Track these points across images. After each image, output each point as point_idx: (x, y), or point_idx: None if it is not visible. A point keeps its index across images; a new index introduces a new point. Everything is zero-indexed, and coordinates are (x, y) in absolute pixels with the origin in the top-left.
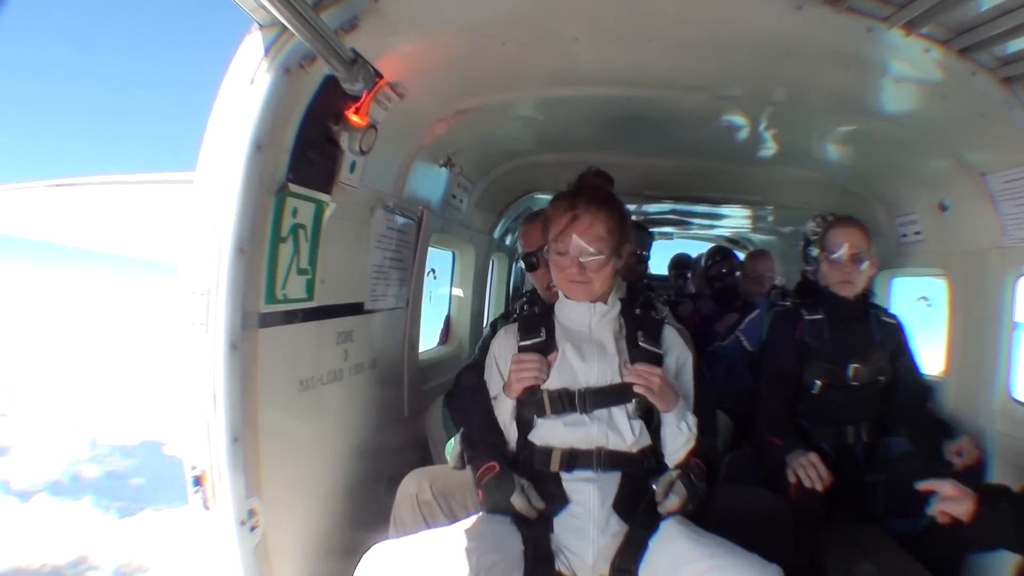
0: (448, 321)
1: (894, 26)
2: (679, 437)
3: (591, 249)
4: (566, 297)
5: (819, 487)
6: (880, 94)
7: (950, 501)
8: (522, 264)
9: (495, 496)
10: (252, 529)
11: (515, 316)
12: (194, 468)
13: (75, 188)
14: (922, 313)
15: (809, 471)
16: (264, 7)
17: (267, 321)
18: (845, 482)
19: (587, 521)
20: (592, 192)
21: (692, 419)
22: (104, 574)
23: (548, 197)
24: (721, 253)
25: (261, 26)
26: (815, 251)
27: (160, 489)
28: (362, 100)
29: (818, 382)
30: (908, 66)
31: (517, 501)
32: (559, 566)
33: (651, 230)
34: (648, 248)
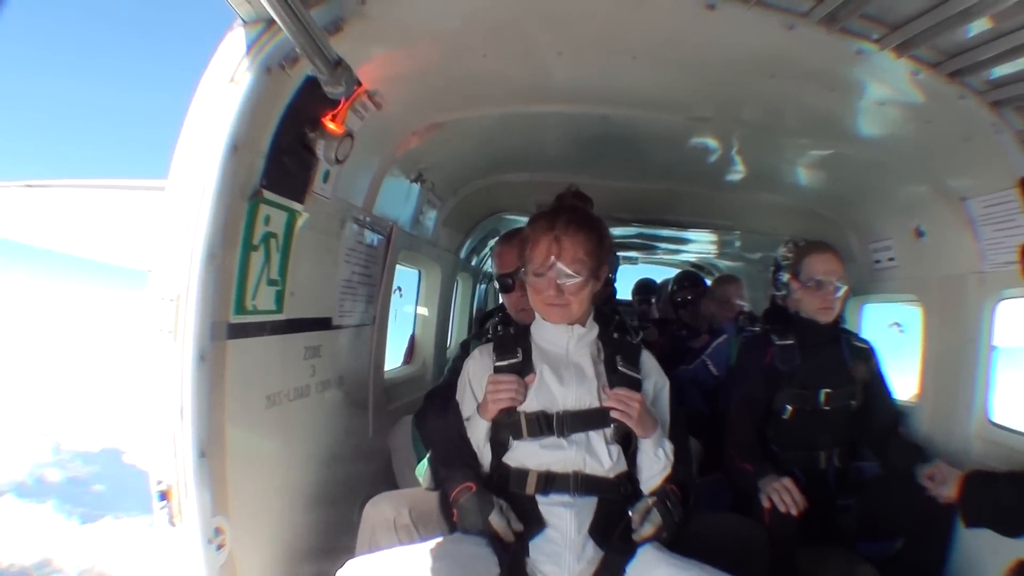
0: (413, 340)
1: (886, 48)
2: (656, 464)
3: (569, 271)
4: (543, 319)
5: (794, 511)
6: (863, 117)
7: (938, 484)
8: (489, 285)
9: (472, 515)
10: (219, 548)
11: (488, 336)
12: (160, 483)
13: (49, 190)
14: (894, 339)
15: (784, 496)
16: (250, 0)
17: (236, 332)
18: (817, 506)
19: (563, 546)
20: (572, 213)
21: (669, 445)
22: None
23: (515, 218)
24: (690, 279)
25: (245, 22)
26: (786, 277)
27: (120, 497)
28: (340, 107)
29: (789, 407)
30: (894, 89)
31: (495, 519)
32: None
33: (616, 253)
34: (615, 271)
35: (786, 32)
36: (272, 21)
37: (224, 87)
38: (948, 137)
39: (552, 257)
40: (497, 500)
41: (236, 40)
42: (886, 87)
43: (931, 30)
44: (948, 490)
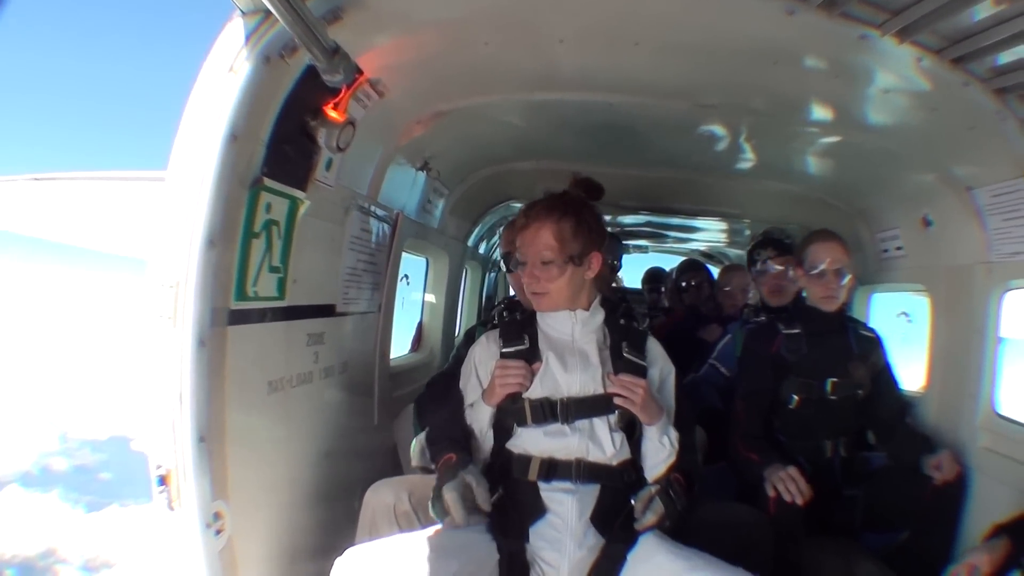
0: (420, 328)
1: (887, 33)
2: (660, 452)
3: (540, 254)
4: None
5: (799, 501)
6: (868, 105)
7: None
8: (499, 273)
9: (436, 489)
10: (217, 533)
11: (495, 322)
12: (159, 467)
13: (56, 183)
14: (902, 329)
15: (789, 485)
16: None
17: (236, 318)
18: (823, 496)
19: (564, 532)
20: (548, 200)
21: (674, 434)
22: (72, 567)
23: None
24: (692, 267)
25: (243, 13)
26: (758, 265)
27: (127, 484)
28: (341, 95)
29: (795, 397)
30: (899, 76)
31: (448, 491)
32: None
33: (625, 242)
34: (619, 257)
35: (787, 18)
36: (269, 12)
37: (223, 77)
38: (953, 125)
39: (523, 245)
40: (464, 474)
41: (235, 30)
42: (890, 74)
43: (932, 15)
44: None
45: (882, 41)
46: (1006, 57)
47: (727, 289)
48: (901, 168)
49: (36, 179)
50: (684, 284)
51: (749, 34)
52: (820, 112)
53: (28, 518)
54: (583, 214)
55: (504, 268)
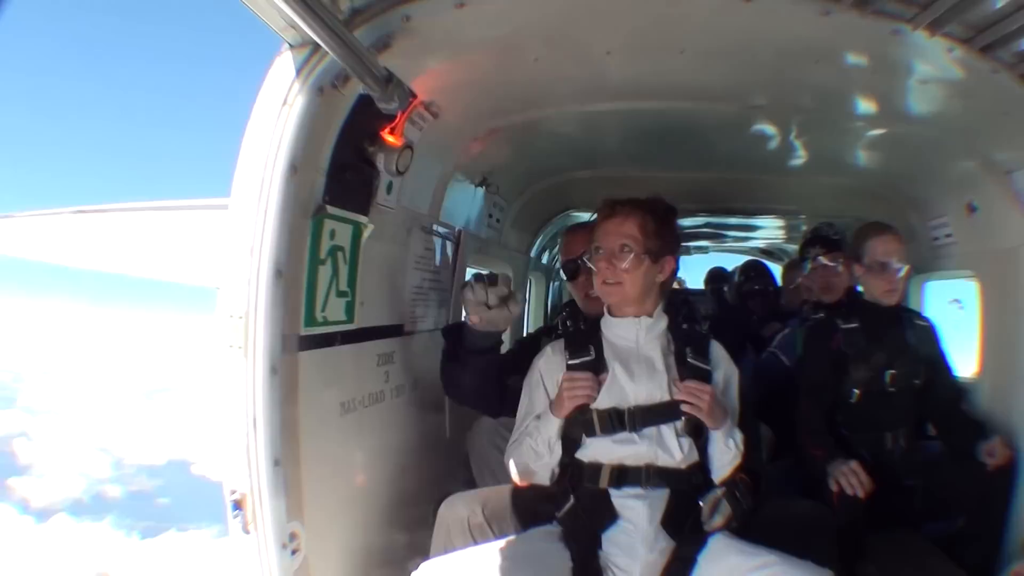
0: None
1: (919, 27)
2: (726, 454)
3: (621, 244)
4: (609, 315)
5: (860, 494)
6: (907, 97)
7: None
8: (562, 283)
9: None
10: (293, 553)
11: (559, 332)
12: (234, 492)
13: (100, 215)
14: (955, 316)
15: (851, 479)
16: (295, 27)
17: (307, 344)
18: (884, 487)
19: (636, 537)
20: (636, 198)
21: (739, 435)
22: None
23: (584, 215)
24: (755, 269)
25: (291, 46)
26: (809, 264)
27: (186, 509)
28: (397, 120)
29: (856, 391)
30: (933, 67)
31: (471, 290)
32: None
33: (685, 244)
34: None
35: (823, 18)
36: (319, 45)
37: (278, 110)
38: (988, 112)
39: (604, 231)
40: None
41: (285, 64)
42: (925, 65)
43: (958, 6)
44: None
45: (914, 35)
46: None
47: (792, 287)
48: (944, 156)
49: (81, 211)
50: (747, 290)
51: (788, 36)
52: (864, 106)
53: (77, 547)
54: (668, 217)
55: (565, 275)
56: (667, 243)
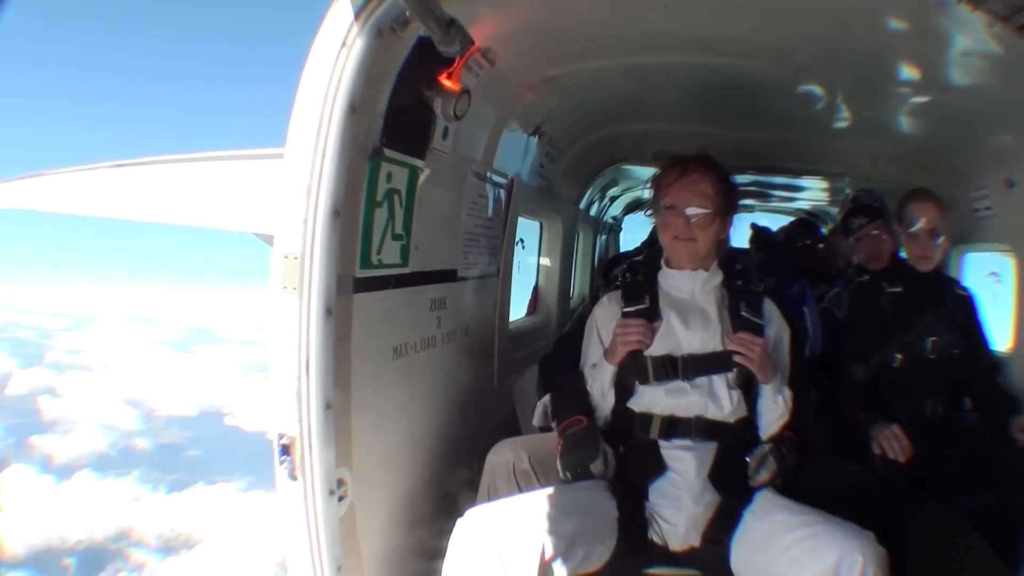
0: (536, 291)
1: (962, 1)
2: (775, 410)
3: (698, 202)
4: (667, 267)
5: (902, 458)
6: (949, 67)
7: None
8: (609, 235)
9: (575, 452)
10: (340, 499)
11: (618, 283)
12: (283, 437)
13: (139, 167)
14: (993, 289)
15: (893, 443)
16: None
17: (362, 286)
18: (921, 455)
19: (683, 489)
20: (703, 156)
21: (788, 393)
22: (146, 549)
23: (633, 167)
24: (805, 225)
25: None
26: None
27: (216, 461)
28: (455, 65)
29: (899, 356)
30: (974, 41)
31: (596, 467)
32: (651, 535)
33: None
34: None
35: None
36: None
37: (336, 51)
38: None
39: (681, 189)
40: (604, 445)
41: (344, 5)
42: (967, 38)
43: None
44: None
45: (958, 8)
46: None
47: (837, 251)
48: (985, 129)
49: (119, 165)
50: (800, 245)
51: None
52: (907, 72)
53: (99, 502)
54: (730, 178)
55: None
56: (732, 203)
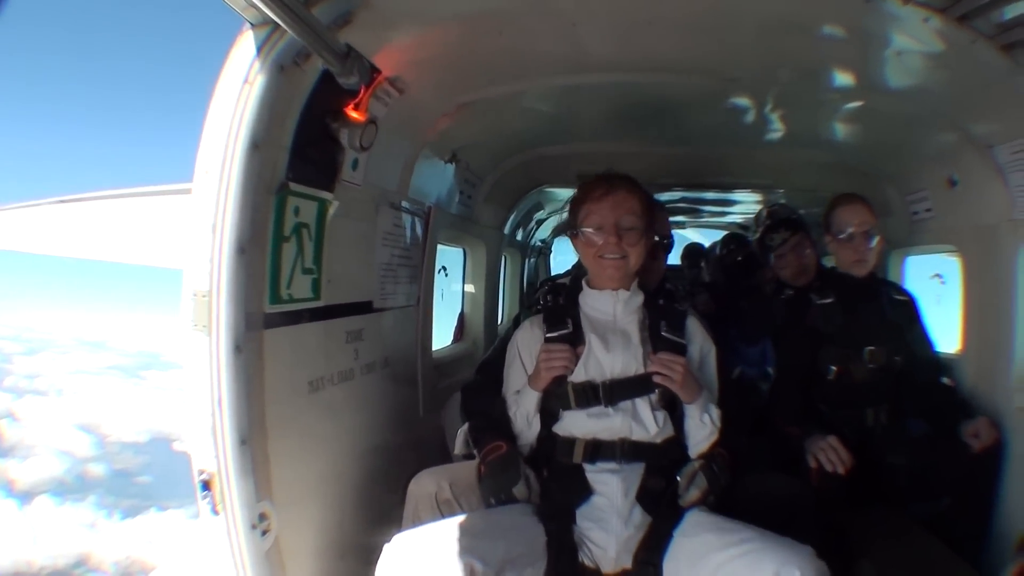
0: (462, 318)
1: None
2: (702, 429)
3: (628, 219)
4: (588, 287)
5: (840, 470)
6: (884, 68)
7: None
8: (538, 259)
9: (497, 477)
10: (264, 533)
11: (539, 307)
12: (202, 472)
13: (81, 203)
14: (937, 291)
15: (830, 454)
16: (254, 5)
17: (272, 321)
18: (867, 465)
19: (610, 512)
20: (619, 175)
21: (715, 411)
22: (105, 575)
23: (558, 190)
24: (736, 240)
25: (253, 25)
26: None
27: (166, 487)
28: (360, 96)
29: (833, 367)
30: (909, 37)
31: (519, 491)
32: (582, 558)
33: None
34: (670, 234)
35: None
36: (278, 24)
37: (239, 88)
38: (967, 84)
39: (602, 211)
40: (524, 469)
41: (246, 43)
42: (901, 36)
43: None
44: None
45: (888, 3)
46: (1011, 12)
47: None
48: (924, 129)
49: (63, 201)
50: (729, 262)
51: (759, 7)
52: (841, 78)
53: (59, 528)
54: (650, 196)
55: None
56: (653, 221)
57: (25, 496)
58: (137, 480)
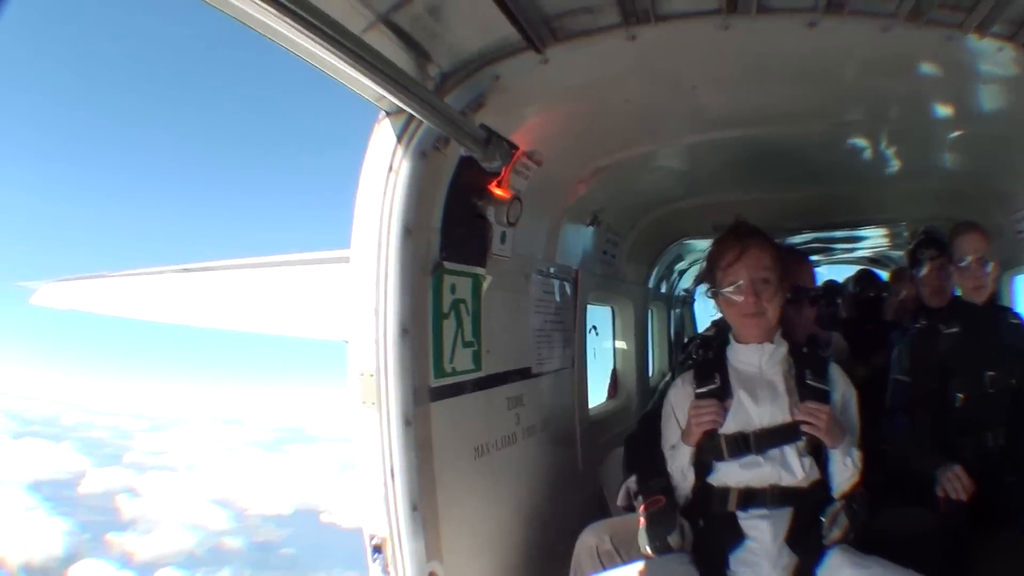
0: (615, 375)
1: (968, 31)
2: (844, 471)
3: (762, 276)
4: (735, 340)
5: (964, 497)
6: (976, 97)
7: None
8: (683, 309)
9: (655, 527)
10: None
11: (690, 362)
12: (373, 537)
13: (204, 273)
14: None
15: (956, 484)
16: (388, 98)
17: (438, 394)
18: (986, 487)
19: (761, 556)
20: (750, 227)
21: (857, 454)
22: None
23: (696, 241)
24: (867, 277)
25: (388, 113)
26: (924, 269)
27: (312, 558)
28: (502, 174)
29: (960, 395)
30: (989, 66)
31: (673, 539)
32: None
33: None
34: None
35: (884, 34)
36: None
37: (384, 175)
38: None
39: (739, 269)
40: (680, 519)
41: (385, 130)
42: (983, 66)
43: (998, 6)
44: None
45: (966, 39)
46: None
47: (899, 298)
48: (1017, 151)
49: (186, 270)
50: (863, 299)
51: (858, 54)
52: (939, 111)
53: None
54: (779, 245)
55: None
56: (785, 270)
57: (145, 568)
58: (282, 552)
